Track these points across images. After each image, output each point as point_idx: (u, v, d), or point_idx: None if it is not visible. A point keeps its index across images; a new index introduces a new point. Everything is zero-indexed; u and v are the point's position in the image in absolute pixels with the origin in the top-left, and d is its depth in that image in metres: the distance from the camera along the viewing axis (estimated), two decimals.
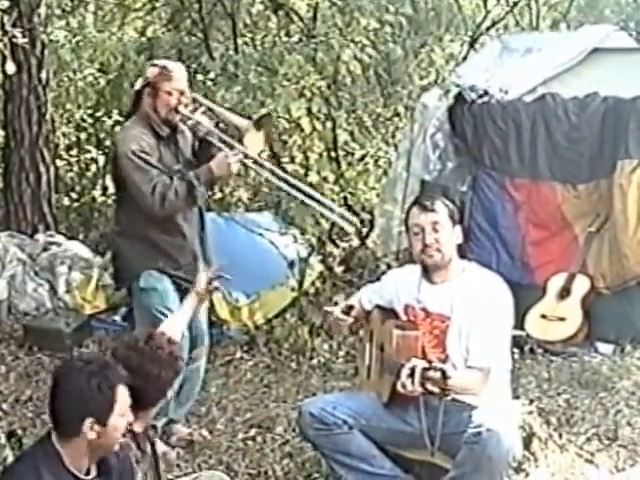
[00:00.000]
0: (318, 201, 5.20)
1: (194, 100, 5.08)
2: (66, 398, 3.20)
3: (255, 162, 5.02)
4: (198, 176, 4.87)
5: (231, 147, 4.91)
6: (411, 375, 3.80)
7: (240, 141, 4.92)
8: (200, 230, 5.17)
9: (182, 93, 4.96)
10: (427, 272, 4.30)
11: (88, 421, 3.18)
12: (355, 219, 5.39)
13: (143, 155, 4.85)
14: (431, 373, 3.75)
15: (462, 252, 4.40)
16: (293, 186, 5.21)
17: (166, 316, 4.90)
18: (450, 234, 4.24)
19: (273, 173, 5.12)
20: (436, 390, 3.73)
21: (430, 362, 3.91)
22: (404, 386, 3.85)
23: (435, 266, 4.24)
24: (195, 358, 5.16)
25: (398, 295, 4.38)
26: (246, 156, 4.91)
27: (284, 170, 5.70)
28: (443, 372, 3.74)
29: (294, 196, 5.30)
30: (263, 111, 5.29)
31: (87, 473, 3.25)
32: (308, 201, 5.22)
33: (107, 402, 3.22)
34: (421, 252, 4.24)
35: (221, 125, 5.34)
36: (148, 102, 4.97)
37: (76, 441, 3.19)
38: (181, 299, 4.83)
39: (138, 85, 5.08)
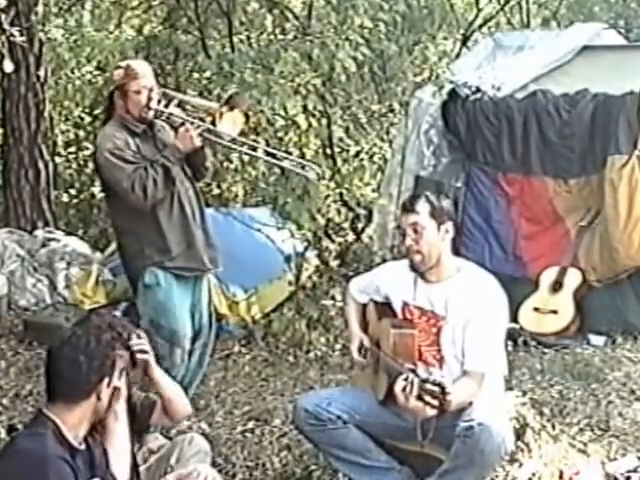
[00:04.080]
0: (275, 156, 5.41)
1: (164, 94, 5.09)
2: (81, 360, 3.20)
3: (214, 133, 5.00)
4: (167, 157, 4.91)
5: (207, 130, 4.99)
6: (409, 386, 3.77)
7: (213, 123, 4.94)
8: (201, 218, 5.17)
9: (151, 89, 4.96)
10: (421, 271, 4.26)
11: (106, 380, 3.25)
12: (312, 164, 5.48)
13: (117, 152, 4.87)
14: (429, 386, 3.70)
15: (455, 246, 4.40)
16: (254, 149, 5.42)
17: (171, 311, 4.99)
18: (433, 234, 4.16)
19: (233, 141, 5.12)
20: (435, 403, 3.68)
21: (428, 375, 3.93)
22: (403, 399, 3.79)
23: (420, 267, 4.21)
24: (196, 349, 5.20)
25: (393, 290, 4.36)
26: (208, 129, 4.94)
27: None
28: (442, 387, 3.69)
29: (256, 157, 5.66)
30: (230, 91, 5.32)
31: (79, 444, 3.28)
32: (267, 158, 5.48)
33: (113, 363, 3.31)
34: (406, 253, 4.24)
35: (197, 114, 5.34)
36: (120, 104, 4.98)
37: (84, 405, 3.23)
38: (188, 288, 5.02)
39: (110, 89, 5.10)
